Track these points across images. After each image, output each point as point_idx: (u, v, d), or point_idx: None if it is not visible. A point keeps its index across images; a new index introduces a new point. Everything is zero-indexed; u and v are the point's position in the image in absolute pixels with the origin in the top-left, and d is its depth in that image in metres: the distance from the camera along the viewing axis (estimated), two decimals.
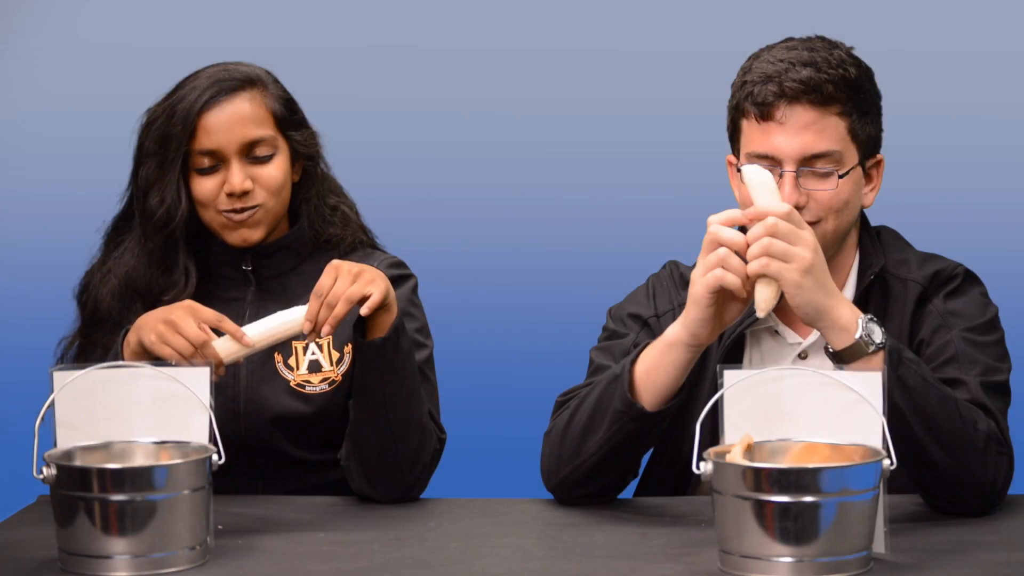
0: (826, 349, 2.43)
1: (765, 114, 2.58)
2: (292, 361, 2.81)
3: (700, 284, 2.42)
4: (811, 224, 2.57)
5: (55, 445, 2.31)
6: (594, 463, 2.55)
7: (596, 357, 2.71)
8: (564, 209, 4.14)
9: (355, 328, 2.66)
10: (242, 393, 2.80)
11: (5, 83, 4.08)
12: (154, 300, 2.77)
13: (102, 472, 2.20)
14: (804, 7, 3.83)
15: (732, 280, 2.39)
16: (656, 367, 2.49)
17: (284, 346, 2.80)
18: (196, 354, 2.54)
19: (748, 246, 2.39)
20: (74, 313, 2.87)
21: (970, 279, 2.68)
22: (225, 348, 2.57)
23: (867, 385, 2.21)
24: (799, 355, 2.66)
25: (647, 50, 4.07)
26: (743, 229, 2.43)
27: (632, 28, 4.11)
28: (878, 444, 2.18)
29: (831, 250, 2.61)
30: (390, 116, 4.00)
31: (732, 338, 2.63)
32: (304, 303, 2.65)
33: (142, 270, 2.82)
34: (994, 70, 4.01)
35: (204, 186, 2.80)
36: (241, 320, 2.75)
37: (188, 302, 2.62)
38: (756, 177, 2.44)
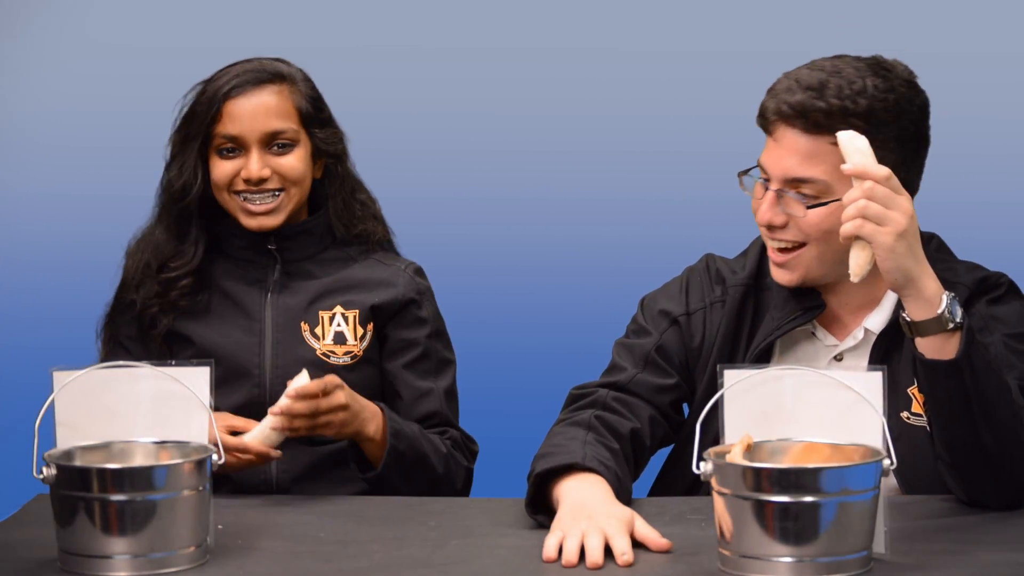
0: (903, 319, 2.38)
1: (767, 128, 2.58)
2: (319, 331, 2.87)
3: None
4: (797, 245, 2.56)
5: (55, 445, 2.31)
6: None
7: (616, 354, 2.71)
8: (571, 209, 4.14)
9: (349, 452, 2.78)
10: (268, 360, 2.85)
11: (12, 82, 4.09)
12: (162, 267, 2.88)
13: (102, 472, 2.21)
14: (814, 7, 3.83)
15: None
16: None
17: (311, 315, 2.88)
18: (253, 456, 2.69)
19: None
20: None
21: (1014, 290, 2.68)
22: (265, 436, 2.69)
23: (867, 385, 2.21)
24: (835, 357, 2.64)
25: (662, 50, 4.07)
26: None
27: (648, 28, 4.11)
28: (878, 444, 2.18)
29: (826, 273, 2.59)
30: (406, 116, 4.02)
31: (762, 346, 2.62)
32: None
33: (159, 239, 2.91)
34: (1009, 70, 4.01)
35: (222, 168, 2.88)
36: (263, 298, 2.87)
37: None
38: (851, 143, 2.37)
